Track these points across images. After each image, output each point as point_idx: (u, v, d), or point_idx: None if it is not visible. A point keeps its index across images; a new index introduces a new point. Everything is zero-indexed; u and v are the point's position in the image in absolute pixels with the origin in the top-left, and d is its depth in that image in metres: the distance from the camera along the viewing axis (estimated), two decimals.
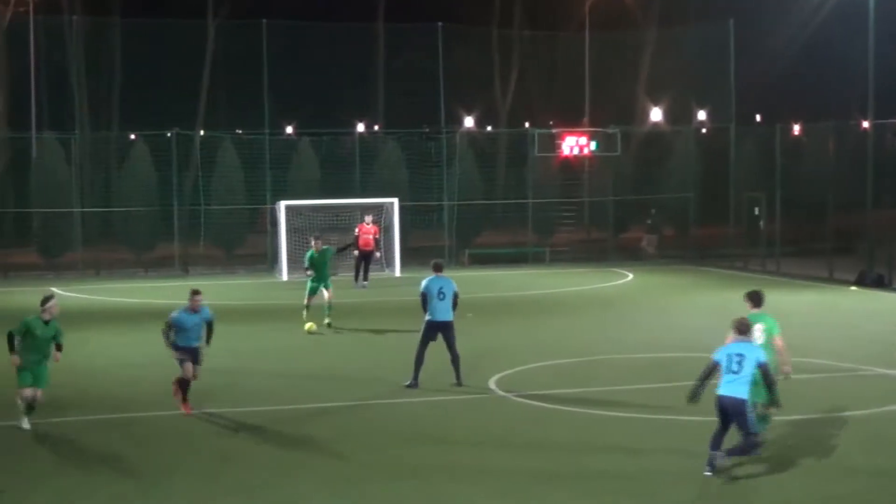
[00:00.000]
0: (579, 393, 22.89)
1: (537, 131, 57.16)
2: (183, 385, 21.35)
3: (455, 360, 23.41)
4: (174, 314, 21.45)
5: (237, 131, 57.84)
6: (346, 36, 60.98)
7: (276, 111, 58.22)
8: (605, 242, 56.13)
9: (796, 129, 53.56)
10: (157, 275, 50.12)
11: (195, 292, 21.95)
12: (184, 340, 21.31)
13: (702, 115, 69.24)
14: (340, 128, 61.49)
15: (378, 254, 46.39)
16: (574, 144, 54.08)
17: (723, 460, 16.37)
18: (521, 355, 26.76)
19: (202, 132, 58.67)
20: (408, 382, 23.22)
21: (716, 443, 16.53)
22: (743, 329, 16.97)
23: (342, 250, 39.71)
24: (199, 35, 60.74)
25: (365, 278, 44.23)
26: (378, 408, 21.87)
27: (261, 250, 52.20)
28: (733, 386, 16.46)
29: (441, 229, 54.15)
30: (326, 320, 31.69)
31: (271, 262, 49.50)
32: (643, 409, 21.35)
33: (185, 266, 51.44)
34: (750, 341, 17.08)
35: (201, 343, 21.57)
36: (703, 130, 65.26)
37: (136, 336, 30.99)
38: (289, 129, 63.42)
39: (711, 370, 16.80)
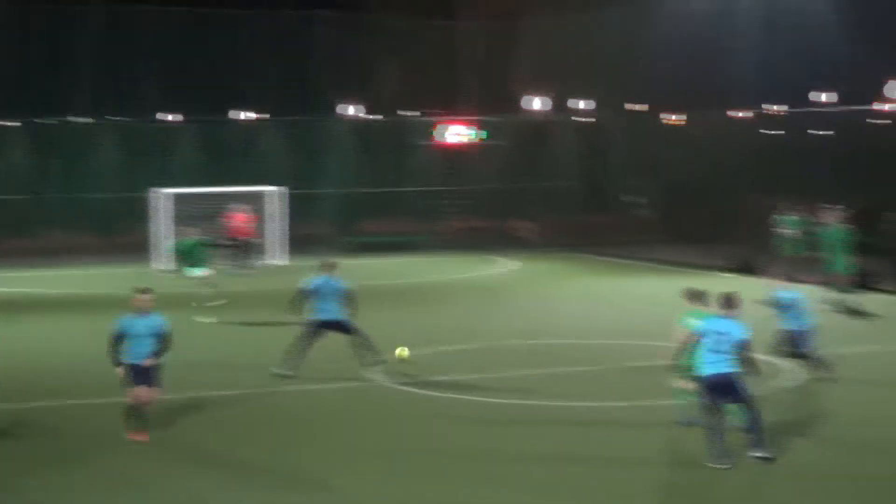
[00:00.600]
0: (464, 380, 23.18)
1: (419, 119, 57.54)
2: (133, 411, 18.21)
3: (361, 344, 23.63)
4: (119, 319, 18.40)
5: (118, 118, 57.47)
6: (235, 24, 60.66)
7: (161, 99, 58.04)
8: (487, 230, 56.58)
9: (674, 118, 54.33)
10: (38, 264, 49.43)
11: (142, 291, 18.70)
12: (131, 355, 18.06)
13: (581, 105, 70.11)
14: (225, 116, 61.28)
15: (254, 241, 46.59)
16: (456, 133, 54.60)
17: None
18: (404, 343, 26.70)
19: (81, 119, 58.22)
20: (286, 372, 23.22)
21: (719, 433, 16.82)
22: (730, 304, 17.31)
23: (218, 245, 39.83)
24: (83, 22, 60.09)
25: (246, 265, 44.46)
26: (256, 398, 21.91)
27: (142, 238, 51.91)
28: (718, 364, 16.87)
29: (323, 216, 54.37)
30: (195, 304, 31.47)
31: (150, 250, 49.26)
32: (529, 394, 21.63)
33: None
34: (733, 316, 17.32)
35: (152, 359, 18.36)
36: (583, 120, 66.06)
37: None
38: (169, 117, 62.92)
39: (692, 342, 17.29)
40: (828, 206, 37.28)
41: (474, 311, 34.54)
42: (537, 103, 69.74)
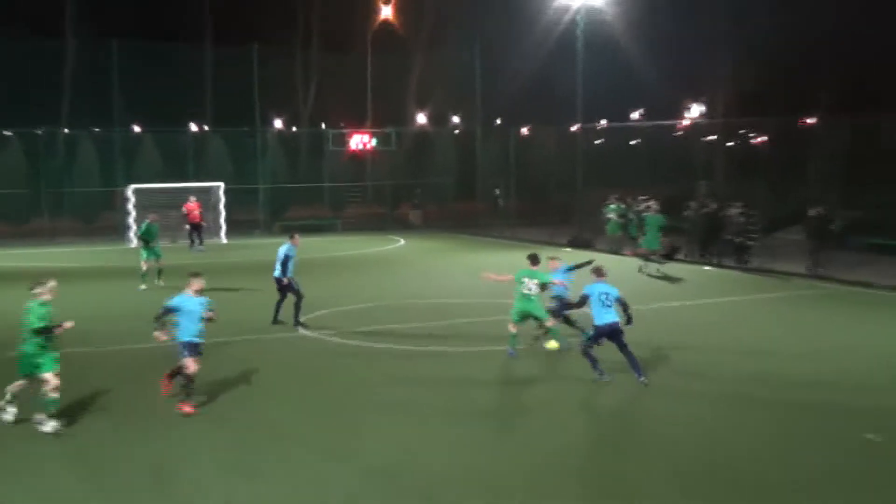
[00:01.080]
0: (371, 330, 23.37)
1: (331, 131, 58.03)
2: (187, 381, 16.12)
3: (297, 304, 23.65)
4: (174, 297, 16.41)
5: (93, 129, 57.25)
6: (177, 54, 60.38)
7: (128, 113, 57.90)
8: (384, 216, 57.24)
9: (526, 130, 55.31)
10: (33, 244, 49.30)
11: (195, 275, 16.60)
12: (185, 331, 16.09)
13: (456, 119, 71.08)
14: (177, 127, 61.18)
15: (205, 224, 46.95)
16: (360, 141, 55.26)
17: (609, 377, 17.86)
18: (321, 303, 27.04)
19: (64, 130, 57.91)
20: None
21: (595, 360, 17.94)
22: (600, 273, 18.34)
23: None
24: (60, 51, 59.67)
25: (200, 243, 44.83)
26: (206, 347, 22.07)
27: (115, 223, 51.86)
28: (609, 316, 17.72)
29: (257, 206, 54.72)
30: (160, 282, 30.80)
31: (122, 232, 49.25)
32: (429, 340, 22.09)
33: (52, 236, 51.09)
34: (605, 282, 18.18)
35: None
36: (457, 131, 66.92)
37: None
38: (135, 128, 62.59)
39: (584, 300, 18.02)
40: (642, 197, 38.55)
41: (375, 277, 34.76)
42: (422, 118, 70.73)
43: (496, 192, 52.64)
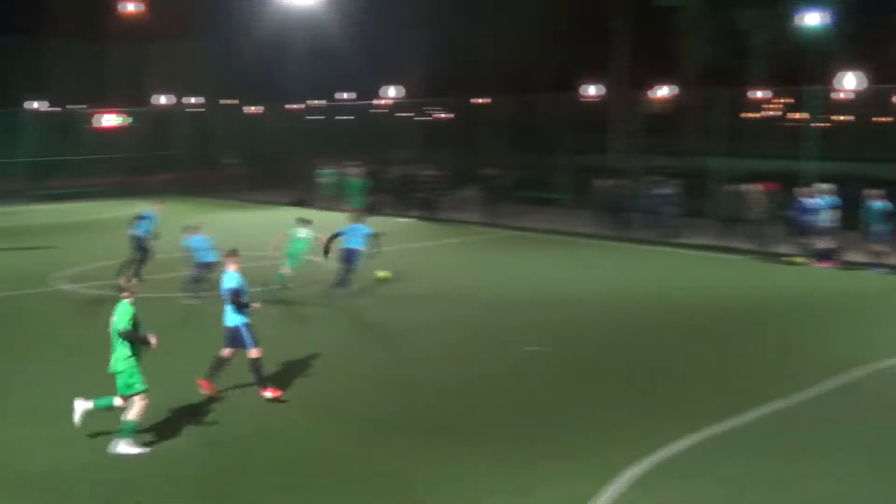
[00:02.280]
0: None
1: (87, 110, 55.29)
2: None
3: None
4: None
5: None
6: None
7: None
8: (133, 184, 55.27)
9: (254, 108, 54.71)
10: None
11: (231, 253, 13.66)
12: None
13: (195, 100, 69.55)
14: None
15: None
16: (110, 119, 53.18)
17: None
18: (76, 259, 26.25)
19: None
20: None
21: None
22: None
23: None
24: None
25: None
26: None
27: None
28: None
29: (20, 177, 51.64)
30: None
31: None
32: (162, 290, 21.41)
33: None
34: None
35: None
36: (195, 109, 65.49)
37: None
38: None
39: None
40: (350, 163, 39.18)
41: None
42: (163, 99, 68.89)
43: (231, 161, 51.85)
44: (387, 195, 38.76)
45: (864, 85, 57.84)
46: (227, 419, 12.38)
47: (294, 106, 47.67)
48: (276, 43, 57.41)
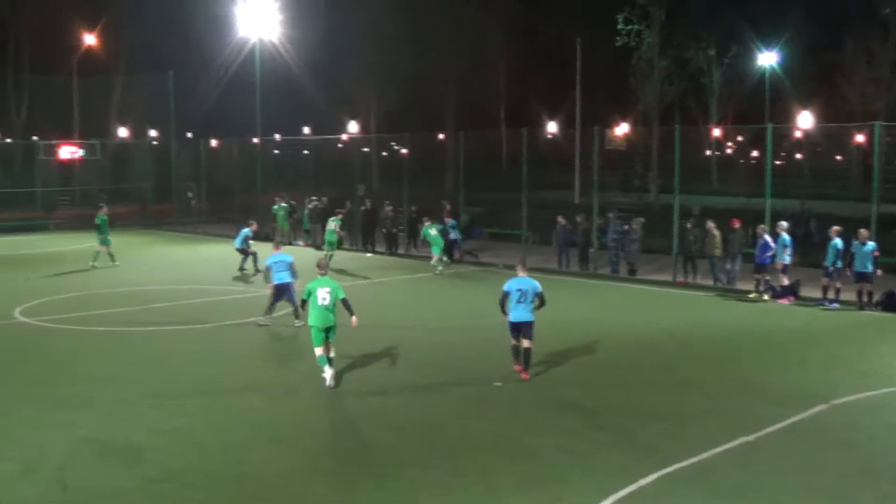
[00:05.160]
0: (77, 316, 22.47)
1: (42, 142, 54.41)
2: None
3: None
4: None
5: None
6: None
7: None
8: (92, 216, 54.33)
9: (214, 142, 54.20)
10: None
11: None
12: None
13: (154, 133, 69.00)
14: None
15: None
16: (70, 151, 52.37)
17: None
18: (34, 294, 25.82)
19: None
20: None
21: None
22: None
23: None
24: None
25: None
26: None
27: None
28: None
29: None
30: None
31: None
32: (130, 324, 21.32)
33: None
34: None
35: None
36: (155, 142, 64.84)
37: None
38: None
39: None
40: (310, 197, 38.88)
41: (81, 269, 32.09)
42: (124, 132, 68.55)
43: (189, 194, 51.33)
44: (349, 230, 38.23)
45: (817, 123, 58.67)
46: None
47: (254, 139, 47.38)
48: (237, 77, 57.29)
